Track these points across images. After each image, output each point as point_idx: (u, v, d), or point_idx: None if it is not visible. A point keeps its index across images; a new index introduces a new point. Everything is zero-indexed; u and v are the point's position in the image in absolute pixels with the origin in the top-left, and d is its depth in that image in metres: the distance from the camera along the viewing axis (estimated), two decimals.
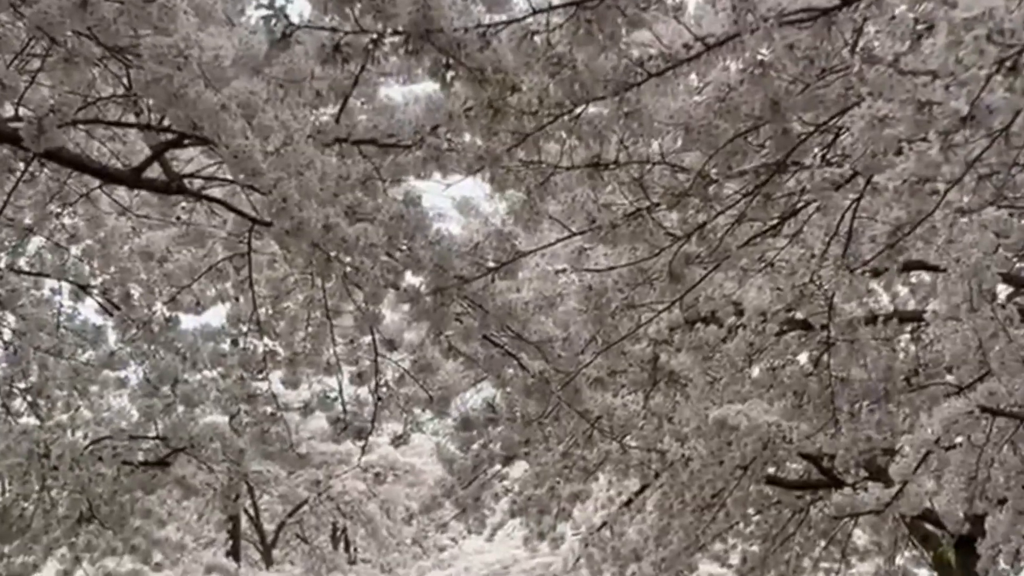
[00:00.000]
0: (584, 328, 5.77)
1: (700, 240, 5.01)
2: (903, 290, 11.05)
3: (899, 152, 4.35)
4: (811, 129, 4.63)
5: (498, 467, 8.73)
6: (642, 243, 5.08)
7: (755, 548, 11.47)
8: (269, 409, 7.43)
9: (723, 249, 5.24)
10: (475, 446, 8.67)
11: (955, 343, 7.30)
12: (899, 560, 13.11)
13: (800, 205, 5.29)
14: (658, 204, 5.02)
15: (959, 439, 7.34)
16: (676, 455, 8.08)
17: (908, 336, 11.42)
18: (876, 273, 9.48)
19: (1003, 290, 9.12)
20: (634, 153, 4.85)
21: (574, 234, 5.21)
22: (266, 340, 7.37)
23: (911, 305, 11.11)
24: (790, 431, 7.65)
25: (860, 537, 13.29)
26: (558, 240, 5.45)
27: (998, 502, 7.62)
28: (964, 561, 11.06)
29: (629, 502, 10.91)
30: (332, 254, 5.38)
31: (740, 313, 7.69)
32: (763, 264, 5.66)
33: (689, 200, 4.74)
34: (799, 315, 7.11)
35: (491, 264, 5.34)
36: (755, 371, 9.55)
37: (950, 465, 7.24)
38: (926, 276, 11.02)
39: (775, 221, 5.34)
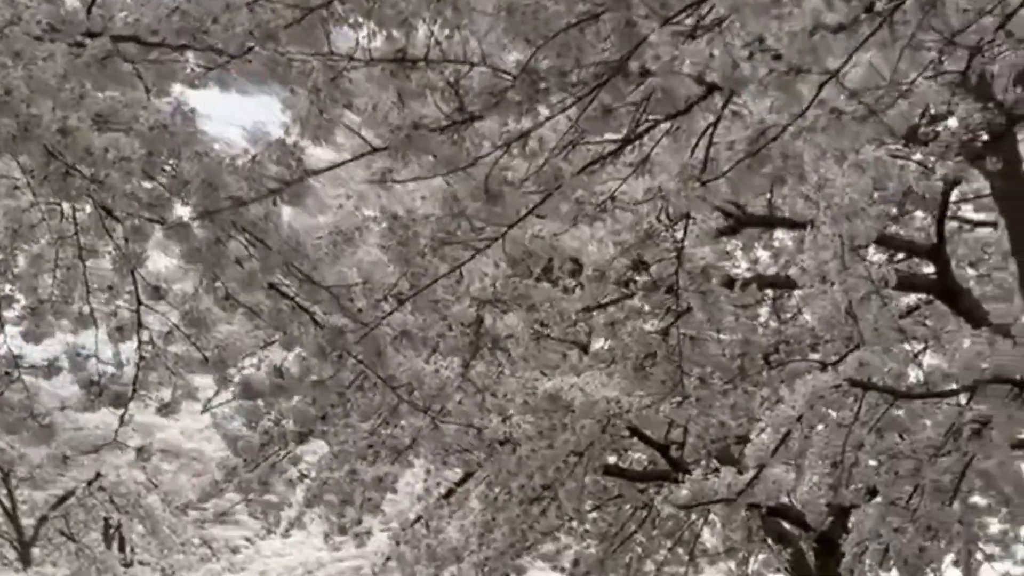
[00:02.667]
0: (388, 270, 5.36)
1: (523, 152, 4.62)
2: (764, 254, 10.92)
3: (777, 56, 4.04)
4: (661, 23, 4.28)
5: (292, 446, 8.22)
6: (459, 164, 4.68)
7: (591, 549, 11.20)
8: (4, 369, 6.82)
9: (553, 175, 4.87)
10: (265, 421, 8.15)
11: (824, 307, 7.10)
12: (752, 564, 13.05)
13: (646, 125, 4.95)
14: (480, 116, 4.63)
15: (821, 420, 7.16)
16: (498, 432, 7.72)
17: (767, 310, 11.34)
18: (732, 231, 9.32)
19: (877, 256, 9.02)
20: (449, 51, 4.45)
21: (376, 150, 4.78)
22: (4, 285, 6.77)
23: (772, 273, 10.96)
24: (632, 407, 7.35)
25: (710, 539, 13.19)
26: (356, 156, 5.01)
27: (866, 491, 7.47)
28: (824, 563, 11.01)
29: (449, 494, 10.54)
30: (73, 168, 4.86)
31: (577, 270, 7.38)
32: (602, 199, 5.29)
33: (510, 103, 4.35)
34: (643, 275, 6.80)
35: (273, 185, 4.87)
36: (596, 344, 9.29)
37: (813, 447, 7.03)
38: (789, 241, 10.91)
39: (616, 145, 4.99)
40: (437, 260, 5.30)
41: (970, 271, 11.08)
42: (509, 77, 4.39)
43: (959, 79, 7.71)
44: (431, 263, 5.32)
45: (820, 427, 7.02)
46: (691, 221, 5.50)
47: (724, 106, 4.75)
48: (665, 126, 5.00)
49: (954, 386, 7.16)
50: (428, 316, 5.82)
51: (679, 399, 7.19)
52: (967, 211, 11.45)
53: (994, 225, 11.29)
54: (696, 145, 4.92)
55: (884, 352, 7.06)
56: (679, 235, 5.59)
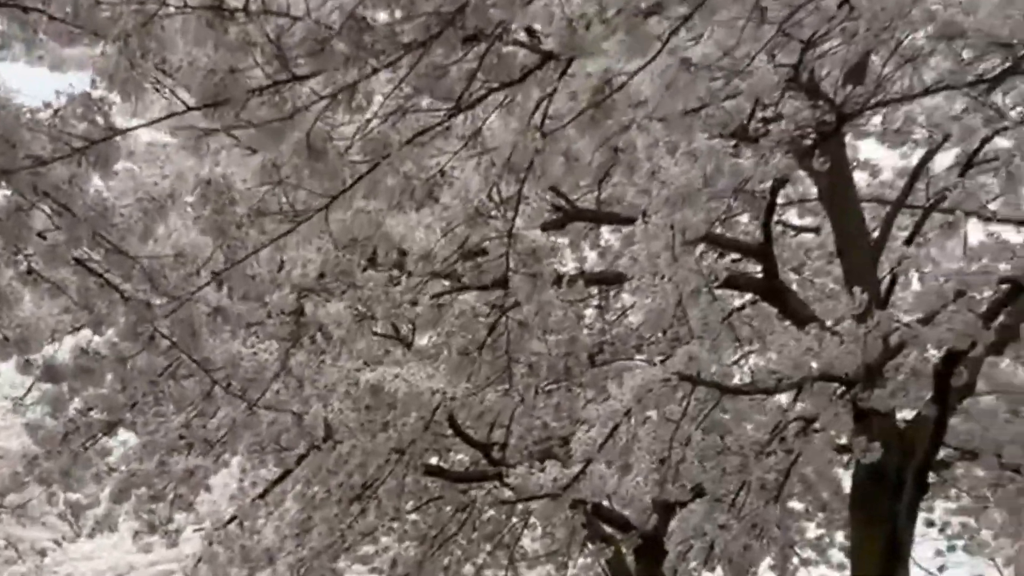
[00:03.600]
0: (201, 241, 4.99)
1: (349, 107, 4.30)
2: (591, 254, 10.74)
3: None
4: None
5: (99, 437, 7.72)
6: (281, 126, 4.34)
7: (410, 551, 10.89)
8: None
9: (381, 144, 4.57)
10: (71, 410, 7.64)
11: (654, 301, 6.93)
12: (572, 568, 12.88)
13: (479, 93, 4.68)
14: (304, 77, 4.30)
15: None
16: (318, 420, 7.35)
17: (593, 311, 11.18)
18: (560, 225, 9.11)
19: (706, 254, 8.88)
20: (271, 2, 4.12)
21: (190, 108, 4.41)
22: None
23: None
24: (457, 396, 7.06)
25: (530, 544, 12.99)
26: (168, 115, 4.62)
27: (692, 489, 7.32)
28: (645, 564, 10.89)
29: (265, 493, 10.10)
30: None
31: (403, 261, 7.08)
32: (431, 175, 5.00)
33: (335, 54, 4.02)
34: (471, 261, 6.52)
35: (78, 144, 4.47)
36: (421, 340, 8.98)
37: (641, 443, 6.84)
38: (616, 241, 10.76)
39: (448, 113, 4.71)
40: (255, 232, 4.96)
41: (792, 275, 11.07)
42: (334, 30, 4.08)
43: (791, 73, 7.64)
44: (249, 235, 4.97)
45: (650, 419, 6.85)
46: (523, 201, 5.25)
47: (561, 75, 4.50)
48: (499, 97, 4.74)
49: (782, 383, 7.06)
50: (245, 292, 5.45)
51: (505, 387, 6.92)
52: (790, 216, 11.45)
53: (816, 230, 11.33)
54: (531, 117, 4.67)
55: (713, 347, 6.94)
56: (510, 214, 5.33)
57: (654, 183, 6.39)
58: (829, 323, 7.79)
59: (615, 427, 6.59)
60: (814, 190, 10.96)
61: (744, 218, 10.59)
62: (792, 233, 11.31)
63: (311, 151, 4.23)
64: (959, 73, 7.15)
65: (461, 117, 4.88)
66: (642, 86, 5.86)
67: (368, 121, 4.65)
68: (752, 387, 7.11)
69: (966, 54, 7.16)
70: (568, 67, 4.49)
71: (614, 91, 3.97)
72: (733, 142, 7.60)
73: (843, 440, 9.43)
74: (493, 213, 5.31)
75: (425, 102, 4.77)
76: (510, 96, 4.77)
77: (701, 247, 8.10)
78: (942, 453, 10.15)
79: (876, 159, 10.64)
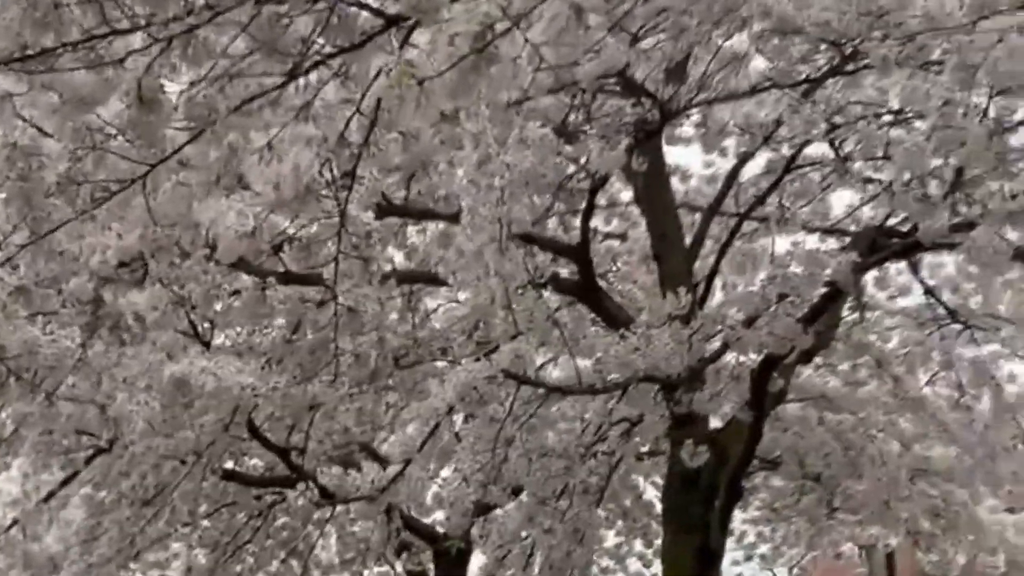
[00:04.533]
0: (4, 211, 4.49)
1: (185, 54, 3.88)
2: (398, 255, 10.39)
3: None
4: None
5: None
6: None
7: (201, 558, 10.37)
8: None
9: (208, 110, 4.16)
10: None
11: (477, 296, 6.63)
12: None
13: (315, 59, 4.30)
14: (129, 30, 3.87)
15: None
16: (120, 414, 6.83)
17: (396, 315, 10.82)
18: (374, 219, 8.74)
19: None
20: None
21: None
22: None
23: None
24: (268, 393, 6.62)
25: (324, 554, 12.55)
26: None
27: (511, 492, 7.06)
28: (447, 571, 10.59)
29: (49, 497, 9.45)
30: None
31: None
32: (258, 148, 4.59)
33: None
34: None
35: None
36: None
37: (463, 443, 6.55)
38: (422, 243, 10.44)
39: (280, 80, 4.32)
40: (65, 203, 4.47)
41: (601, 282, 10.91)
42: None
43: (618, 67, 7.45)
44: (58, 207, 4.48)
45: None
46: (357, 179, 4.89)
47: (403, 43, 4.15)
48: (335, 64, 4.38)
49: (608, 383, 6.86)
50: (46, 273, 4.96)
51: (332, 378, 6.53)
52: (598, 222, 11.30)
53: (621, 237, 11.19)
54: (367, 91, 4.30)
55: (540, 344, 6.69)
56: (343, 195, 4.95)
57: (483, 172, 6.10)
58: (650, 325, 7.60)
59: (436, 426, 6.29)
60: (623, 195, 10.90)
61: (551, 223, 10.41)
62: (600, 239, 11.15)
63: (142, 103, 3.81)
64: (786, 72, 7.06)
65: (294, 87, 4.50)
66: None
67: (193, 84, 4.23)
68: (579, 387, 6.88)
69: (796, 52, 7.07)
70: (411, 34, 4.16)
71: (498, 36, 3.64)
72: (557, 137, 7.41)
73: (645, 448, 9.34)
74: (324, 193, 4.94)
75: (260, 68, 4.37)
76: (345, 64, 4.41)
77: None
78: None
79: (687, 165, 10.57)
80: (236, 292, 7.24)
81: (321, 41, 4.25)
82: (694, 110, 8.54)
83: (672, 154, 10.38)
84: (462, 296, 7.25)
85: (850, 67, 7.26)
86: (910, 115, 7.33)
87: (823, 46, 6.90)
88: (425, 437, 6.31)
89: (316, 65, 4.35)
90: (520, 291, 6.54)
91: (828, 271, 7.20)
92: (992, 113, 5.73)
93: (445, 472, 9.14)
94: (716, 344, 7.27)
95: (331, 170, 4.79)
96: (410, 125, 4.72)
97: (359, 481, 6.25)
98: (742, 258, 9.38)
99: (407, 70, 3.55)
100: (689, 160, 10.93)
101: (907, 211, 6.77)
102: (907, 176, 6.80)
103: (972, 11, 5.86)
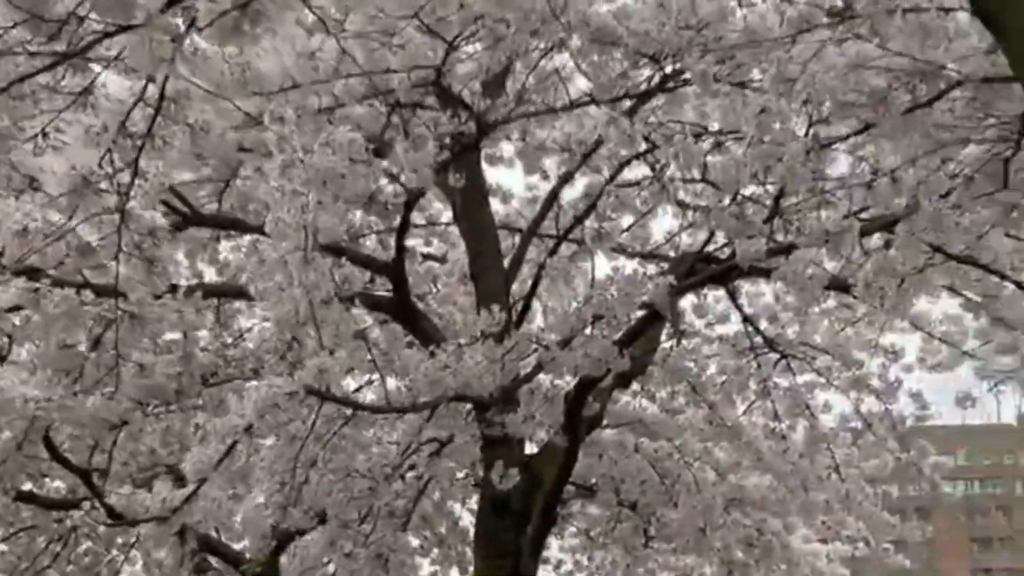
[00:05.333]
0: None
1: None
2: (210, 270, 9.99)
3: None
4: None
5: None
6: None
7: None
8: None
9: None
10: None
11: (281, 307, 6.29)
12: None
13: (92, 38, 3.95)
14: None
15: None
16: None
17: (209, 332, 10.41)
18: (176, 229, 8.34)
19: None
20: None
21: None
22: None
23: None
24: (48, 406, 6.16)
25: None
26: None
27: (315, 515, 6.72)
28: None
29: None
30: None
31: None
32: (32, 135, 4.22)
33: None
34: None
35: None
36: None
37: (263, 462, 6.20)
38: (236, 258, 10.04)
39: (51, 59, 3.96)
40: None
41: (420, 304, 10.65)
42: None
43: (434, 75, 7.21)
44: None
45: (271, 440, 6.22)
46: (140, 176, 4.55)
47: (190, 26, 3.85)
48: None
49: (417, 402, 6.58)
50: None
51: (111, 392, 6.12)
52: (417, 243, 11.06)
53: (441, 259, 10.94)
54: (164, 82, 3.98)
55: (346, 360, 6.37)
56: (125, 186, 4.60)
57: (287, 176, 5.79)
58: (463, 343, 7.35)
59: (234, 444, 5.93)
60: (445, 216, 10.67)
61: (371, 241, 10.13)
62: (419, 260, 10.89)
63: None
64: (606, 88, 6.89)
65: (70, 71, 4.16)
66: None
67: None
68: (386, 406, 6.58)
69: (616, 67, 6.90)
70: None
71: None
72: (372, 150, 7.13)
73: (462, 474, 9.10)
74: (104, 187, 4.58)
75: (32, 46, 4.02)
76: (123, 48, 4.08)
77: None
78: None
79: (509, 186, 10.39)
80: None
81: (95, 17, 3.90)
82: (514, 127, 8.33)
83: (495, 175, 10.27)
84: (267, 309, 6.87)
85: (670, 84, 7.12)
86: (729, 136, 7.23)
87: (643, 61, 6.75)
88: (222, 456, 5.96)
89: (91, 45, 4.00)
90: (326, 304, 6.23)
91: (645, 294, 7.07)
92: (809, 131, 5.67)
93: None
94: (531, 365, 7.09)
95: (111, 162, 4.44)
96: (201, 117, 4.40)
97: (149, 502, 5.88)
98: (561, 281, 9.22)
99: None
100: (511, 181, 10.80)
101: (725, 229, 6.65)
102: (726, 199, 6.72)
103: (791, 26, 5.79)
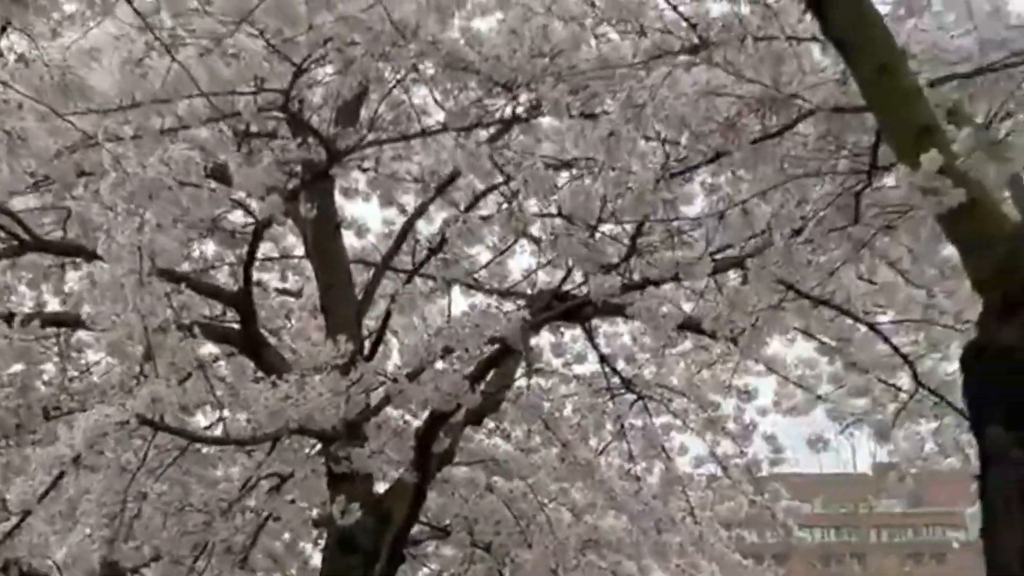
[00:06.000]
0: None
1: None
2: (53, 300, 9.56)
3: None
4: None
5: None
6: None
7: None
8: None
9: None
10: None
11: (114, 333, 5.99)
12: None
13: None
14: None
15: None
16: None
17: (53, 365, 9.98)
18: (15, 254, 7.97)
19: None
20: None
21: None
22: None
23: None
24: None
25: None
26: None
27: (151, 551, 6.40)
28: None
29: None
30: None
31: None
32: None
33: None
34: None
35: None
36: None
37: (90, 494, 5.88)
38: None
39: None
40: None
41: (272, 339, 10.33)
42: None
43: (282, 100, 6.99)
44: None
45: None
46: None
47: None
48: None
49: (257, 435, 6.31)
50: None
51: None
52: (271, 277, 10.75)
53: (296, 294, 10.65)
54: None
55: (182, 391, 6.09)
56: None
57: (119, 194, 5.51)
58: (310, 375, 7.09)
59: (60, 475, 5.62)
60: (299, 249, 10.37)
61: (223, 274, 9.82)
62: (273, 294, 10.58)
63: None
64: (459, 116, 6.71)
65: None
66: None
67: None
68: (224, 437, 6.30)
69: (471, 95, 6.73)
70: None
71: None
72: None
73: (315, 513, 8.80)
74: None
75: None
76: None
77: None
78: (414, 529, 9.72)
79: (363, 218, 10.14)
80: None
81: None
82: (368, 157, 8.11)
83: (351, 208, 10.01)
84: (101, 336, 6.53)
85: (523, 114, 6.96)
86: (585, 166, 7.09)
87: (497, 89, 6.59)
88: (47, 487, 5.64)
89: None
90: (162, 331, 5.95)
91: (497, 327, 6.91)
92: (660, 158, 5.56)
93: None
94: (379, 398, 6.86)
95: None
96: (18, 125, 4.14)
97: None
98: (416, 316, 9.03)
99: None
100: (368, 215, 10.55)
101: (575, 260, 6.52)
102: (582, 233, 6.57)
103: (645, 55, 5.70)
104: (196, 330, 6.13)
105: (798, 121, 5.12)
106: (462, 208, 8.37)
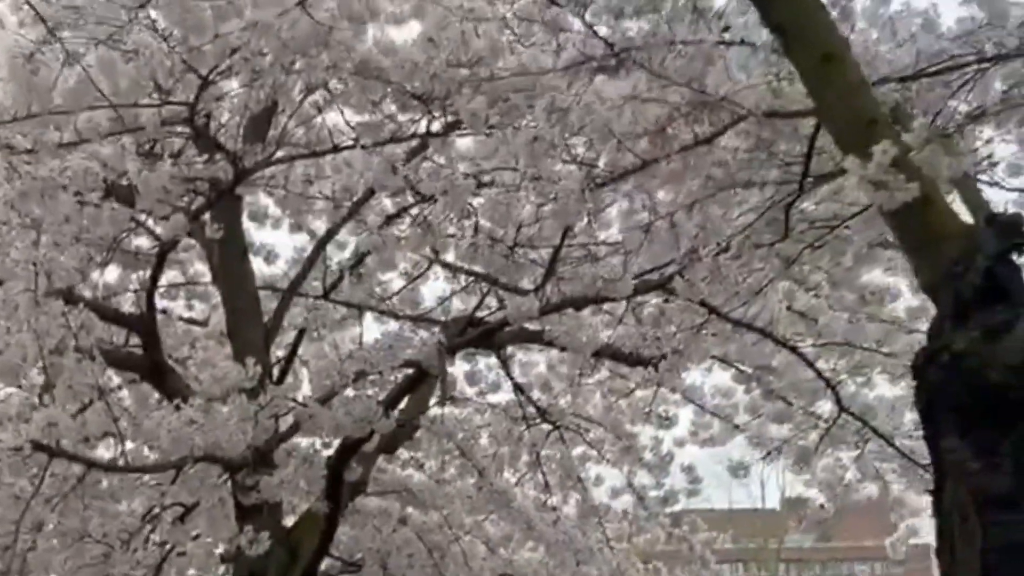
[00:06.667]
0: None
1: None
2: None
3: None
4: None
5: None
6: None
7: None
8: None
9: None
10: None
11: (6, 353, 5.60)
12: None
13: None
14: None
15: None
16: None
17: None
18: None
19: None
20: None
21: None
22: None
23: None
24: None
25: None
26: None
27: None
28: None
29: None
30: None
31: None
32: None
33: None
34: None
35: None
36: None
37: None
38: None
39: None
40: None
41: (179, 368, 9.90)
42: None
43: (187, 114, 6.66)
44: None
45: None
46: None
47: None
48: None
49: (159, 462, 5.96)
50: None
51: None
52: (177, 306, 10.34)
53: (203, 323, 10.26)
54: None
55: (80, 416, 5.71)
56: None
57: (13, 211, 5.16)
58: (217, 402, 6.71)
59: None
60: (207, 276, 9.99)
61: (126, 303, 9.40)
62: (177, 319, 10.15)
63: None
64: (373, 129, 6.41)
65: None
66: None
67: None
68: (125, 465, 5.93)
69: (385, 108, 6.44)
70: None
71: None
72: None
73: (221, 548, 8.42)
74: None
75: None
76: None
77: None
78: (326, 564, 9.36)
79: (272, 244, 9.78)
80: None
81: None
82: (276, 175, 7.74)
83: (260, 235, 9.65)
84: None
85: (440, 129, 6.67)
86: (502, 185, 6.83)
87: (413, 103, 6.30)
88: None
89: None
90: (59, 352, 5.59)
91: (410, 350, 6.64)
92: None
93: None
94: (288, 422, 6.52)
95: None
96: None
97: None
98: (327, 344, 8.70)
99: None
100: (278, 242, 10.19)
101: (495, 270, 6.24)
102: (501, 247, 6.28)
103: (565, 63, 5.46)
104: (95, 352, 5.75)
105: (730, 126, 4.89)
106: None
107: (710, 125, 4.89)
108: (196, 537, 6.72)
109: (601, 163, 5.19)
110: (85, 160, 5.35)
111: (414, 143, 7.05)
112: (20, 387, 5.74)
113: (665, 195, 5.49)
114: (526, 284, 7.40)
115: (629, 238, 5.80)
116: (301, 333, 7.96)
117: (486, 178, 7.10)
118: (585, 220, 5.58)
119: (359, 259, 8.13)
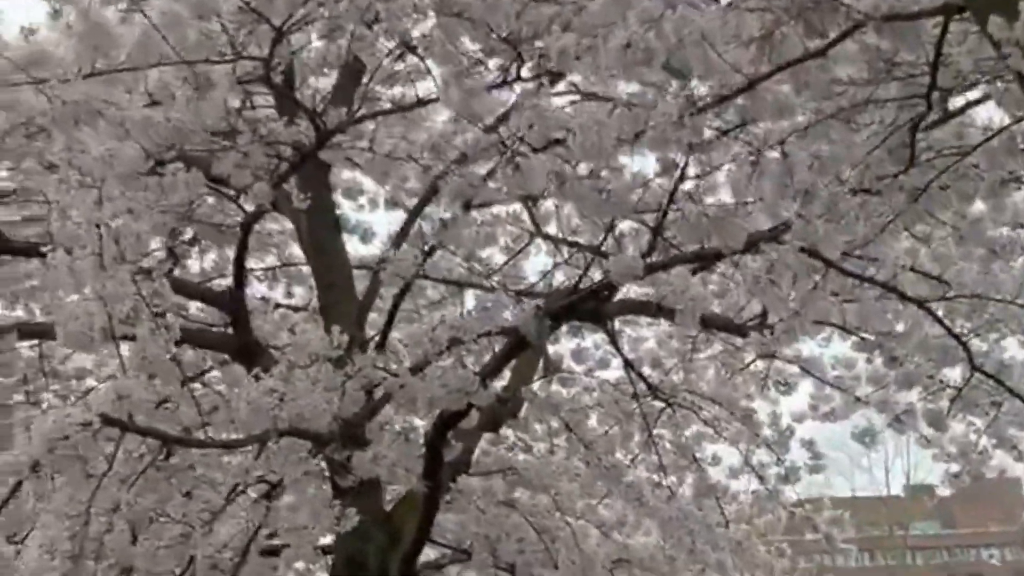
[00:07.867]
0: None
1: None
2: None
3: None
4: None
5: None
6: None
7: None
8: None
9: None
10: None
11: (71, 321, 5.19)
12: None
13: None
14: None
15: None
16: None
17: None
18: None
19: None
20: None
21: None
22: None
23: None
24: None
25: None
26: None
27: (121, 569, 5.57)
28: None
29: None
30: None
31: None
32: None
33: None
34: None
35: None
36: None
37: (51, 505, 5.09)
38: None
39: None
40: None
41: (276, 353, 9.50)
42: None
43: (263, 70, 6.22)
44: None
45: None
46: None
47: None
48: None
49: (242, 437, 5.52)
50: None
51: None
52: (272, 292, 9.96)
53: (302, 308, 9.87)
54: None
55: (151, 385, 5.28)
56: None
57: (73, 160, 4.76)
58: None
59: (18, 484, 4.87)
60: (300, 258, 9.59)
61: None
62: (272, 307, 9.73)
63: None
64: (459, 75, 5.90)
65: None
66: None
67: None
68: (207, 440, 5.51)
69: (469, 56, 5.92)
70: None
71: None
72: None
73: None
74: None
75: None
76: None
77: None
78: (435, 553, 8.93)
79: (369, 222, 9.35)
80: None
81: None
82: (364, 137, 7.23)
83: (357, 214, 9.26)
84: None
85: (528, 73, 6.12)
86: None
87: (502, 45, 5.78)
88: (4, 498, 4.91)
89: None
90: (130, 320, 5.17)
91: (507, 314, 6.16)
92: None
93: None
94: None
95: None
96: None
97: None
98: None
99: None
100: (373, 220, 9.78)
101: (589, 205, 5.68)
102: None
103: None
104: (171, 320, 5.31)
105: (848, 34, 4.26)
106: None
107: (820, 37, 4.30)
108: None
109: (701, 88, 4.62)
110: (148, 110, 4.92)
111: (505, 98, 6.54)
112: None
113: (774, 123, 4.89)
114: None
115: (735, 176, 5.22)
116: (401, 295, 7.27)
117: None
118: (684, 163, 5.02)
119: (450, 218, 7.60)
